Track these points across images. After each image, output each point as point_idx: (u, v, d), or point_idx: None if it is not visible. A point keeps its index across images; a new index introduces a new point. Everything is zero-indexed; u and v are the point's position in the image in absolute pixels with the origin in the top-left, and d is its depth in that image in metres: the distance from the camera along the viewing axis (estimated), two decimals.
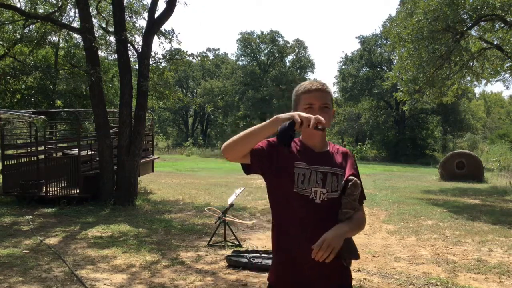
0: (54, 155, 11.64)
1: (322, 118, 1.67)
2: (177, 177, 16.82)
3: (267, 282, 1.99)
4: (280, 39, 42.17)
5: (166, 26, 12.57)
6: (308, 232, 1.81)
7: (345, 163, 1.94)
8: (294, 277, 1.86)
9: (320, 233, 1.77)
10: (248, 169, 1.89)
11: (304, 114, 1.68)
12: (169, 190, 12.60)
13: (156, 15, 10.11)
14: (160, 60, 10.93)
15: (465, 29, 12.98)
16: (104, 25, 14.04)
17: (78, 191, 9.75)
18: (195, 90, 49.31)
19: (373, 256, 5.91)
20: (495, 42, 14.14)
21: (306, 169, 1.85)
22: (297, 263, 1.84)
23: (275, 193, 1.94)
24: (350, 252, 1.88)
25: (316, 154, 1.91)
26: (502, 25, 13.34)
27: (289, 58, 43.41)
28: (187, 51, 15.17)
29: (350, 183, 1.85)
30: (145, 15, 12.24)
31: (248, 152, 1.82)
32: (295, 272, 1.86)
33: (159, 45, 48.34)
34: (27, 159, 10.42)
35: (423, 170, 24.11)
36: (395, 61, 22.33)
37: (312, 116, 1.67)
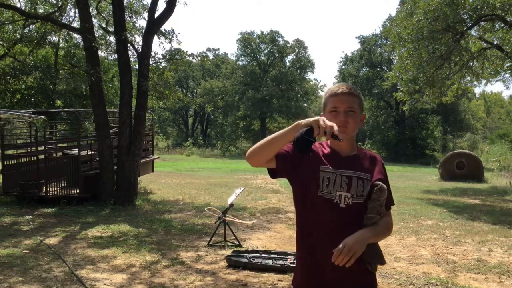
0: (54, 155, 11.64)
1: (336, 128, 1.67)
2: (177, 177, 16.82)
3: (291, 286, 2.01)
4: (280, 39, 42.21)
5: (166, 26, 12.60)
6: (331, 236, 1.80)
7: (372, 167, 1.92)
8: (317, 281, 1.86)
9: (343, 237, 1.77)
10: (273, 173, 1.92)
11: (322, 122, 1.68)
12: (169, 190, 12.60)
13: (156, 15, 10.11)
14: (160, 60, 10.94)
15: (465, 29, 12.98)
16: (104, 25, 14.04)
17: (78, 191, 9.75)
18: (195, 90, 49.30)
19: None
20: (495, 42, 14.14)
21: (331, 173, 1.85)
22: (320, 266, 1.84)
23: (300, 196, 1.94)
24: (374, 257, 1.87)
25: (342, 158, 1.91)
26: (502, 25, 13.34)
27: (289, 58, 43.45)
28: (187, 51, 15.21)
29: (376, 188, 1.84)
30: (145, 15, 12.25)
31: (273, 157, 1.86)
32: (318, 276, 1.86)
33: (159, 45, 48.51)
34: (27, 159, 10.41)
35: (423, 170, 24.12)
36: (395, 61, 22.33)
37: (329, 125, 1.67)
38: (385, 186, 1.85)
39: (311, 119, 1.73)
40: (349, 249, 1.72)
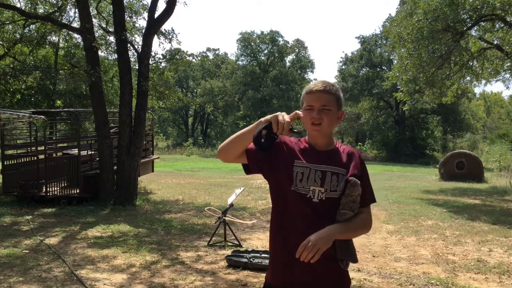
0: (54, 155, 11.64)
1: (286, 122, 1.75)
2: (177, 177, 16.82)
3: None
4: (280, 39, 42.17)
5: (166, 26, 12.58)
6: (304, 231, 1.80)
7: (349, 163, 1.92)
8: (289, 276, 1.87)
9: (316, 232, 1.77)
10: (247, 169, 1.96)
11: (281, 118, 1.76)
12: (169, 190, 12.60)
13: (156, 15, 10.11)
14: (160, 60, 10.94)
15: (465, 29, 12.97)
16: (104, 25, 14.05)
17: (78, 191, 9.75)
18: (195, 90, 49.28)
19: (373, 256, 5.91)
20: (495, 42, 14.14)
21: (305, 168, 1.86)
22: (293, 261, 1.83)
23: (275, 190, 1.96)
24: (345, 254, 1.86)
25: (318, 153, 1.91)
26: (502, 25, 13.33)
27: (289, 58, 43.42)
28: (187, 51, 15.17)
29: (348, 184, 1.84)
30: (145, 15, 12.26)
31: (243, 154, 1.91)
32: (290, 270, 1.86)
33: (159, 45, 48.27)
34: (27, 159, 10.41)
35: (423, 170, 24.11)
36: (395, 61, 22.33)
37: (286, 121, 1.75)
38: (358, 182, 1.84)
39: (270, 116, 1.78)
40: (313, 244, 1.72)
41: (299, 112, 1.87)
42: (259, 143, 1.80)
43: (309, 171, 1.86)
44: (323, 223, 1.80)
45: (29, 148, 11.17)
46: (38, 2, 14.43)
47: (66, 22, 14.82)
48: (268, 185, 2.00)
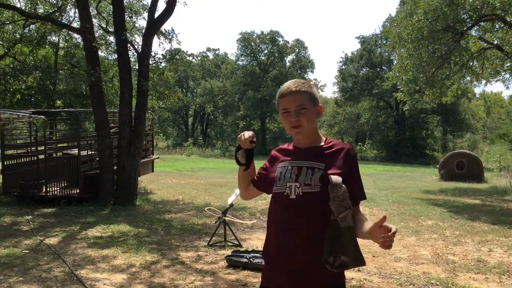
0: (54, 155, 11.64)
1: (247, 135, 2.02)
2: (177, 177, 16.82)
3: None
4: (280, 39, 42.12)
5: (166, 26, 12.56)
6: (283, 228, 1.81)
7: (333, 159, 1.84)
8: (275, 278, 1.88)
9: (294, 229, 1.77)
10: (266, 192, 2.13)
11: (241, 135, 2.04)
12: (169, 190, 12.60)
13: (156, 15, 10.11)
14: (160, 60, 10.92)
15: (465, 29, 12.97)
16: (104, 25, 14.05)
17: (78, 191, 9.75)
18: (195, 90, 49.28)
19: (373, 256, 5.91)
20: (495, 42, 14.14)
21: (283, 167, 1.90)
22: (274, 259, 1.86)
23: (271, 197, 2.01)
24: (334, 252, 1.69)
25: (299, 151, 1.93)
26: (502, 25, 13.33)
27: (289, 58, 43.37)
28: (187, 51, 15.18)
29: (329, 186, 1.75)
30: (145, 15, 12.26)
31: (254, 187, 2.15)
32: (273, 272, 1.87)
33: (159, 45, 48.18)
34: (27, 159, 10.41)
35: (423, 170, 24.10)
36: (395, 61, 22.34)
37: (243, 139, 2.02)
38: (338, 180, 1.75)
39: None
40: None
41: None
42: (239, 163, 2.11)
43: (286, 169, 1.88)
44: (300, 219, 1.78)
45: (29, 148, 11.16)
46: (38, 2, 14.43)
47: (66, 22, 14.82)
48: None
